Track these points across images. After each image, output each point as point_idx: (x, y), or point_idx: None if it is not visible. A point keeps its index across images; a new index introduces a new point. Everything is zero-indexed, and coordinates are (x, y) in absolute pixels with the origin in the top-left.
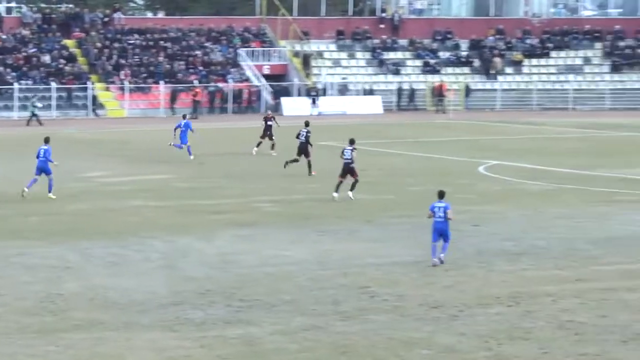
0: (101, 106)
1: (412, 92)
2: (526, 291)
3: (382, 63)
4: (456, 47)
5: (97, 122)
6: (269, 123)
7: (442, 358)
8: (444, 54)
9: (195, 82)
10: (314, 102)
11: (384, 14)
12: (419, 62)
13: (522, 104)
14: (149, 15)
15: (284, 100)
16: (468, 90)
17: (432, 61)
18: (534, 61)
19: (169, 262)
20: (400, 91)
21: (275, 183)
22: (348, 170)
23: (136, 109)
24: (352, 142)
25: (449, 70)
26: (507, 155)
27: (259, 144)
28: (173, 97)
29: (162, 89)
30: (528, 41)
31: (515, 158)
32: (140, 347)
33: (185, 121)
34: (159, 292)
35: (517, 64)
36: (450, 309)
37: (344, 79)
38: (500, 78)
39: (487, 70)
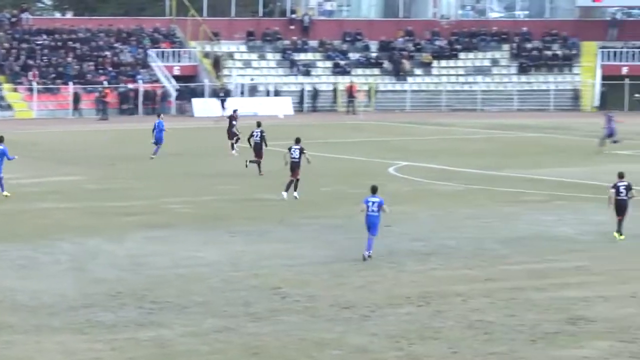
0: (9, 107)
1: (316, 93)
2: (436, 291)
3: (292, 64)
4: (366, 48)
5: (5, 123)
6: (233, 122)
7: (354, 358)
8: (353, 55)
9: (105, 83)
10: (222, 103)
11: (294, 15)
12: (329, 64)
13: (431, 105)
14: (57, 15)
15: (194, 101)
16: (374, 92)
17: (342, 62)
18: (443, 62)
19: (79, 264)
20: (305, 92)
21: (186, 184)
22: (294, 168)
23: (44, 110)
24: (297, 141)
25: (359, 71)
26: (417, 156)
27: (237, 140)
28: (76, 98)
29: (71, 90)
30: (437, 42)
31: (425, 159)
32: (50, 350)
33: (159, 121)
34: (69, 295)
35: (426, 65)
36: (362, 309)
37: (252, 80)
38: (409, 79)
39: (396, 72)
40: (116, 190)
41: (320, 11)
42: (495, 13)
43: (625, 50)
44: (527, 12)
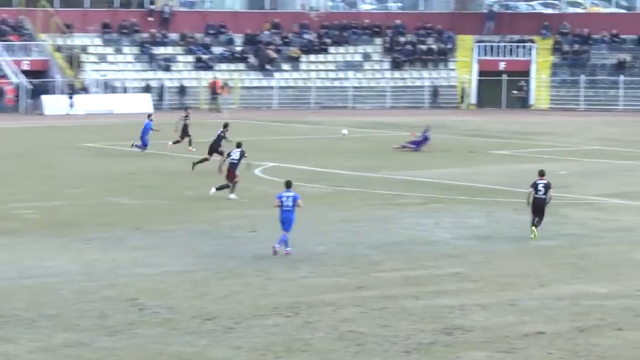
0: None
1: (162, 90)
2: (305, 300)
3: (151, 59)
4: (230, 41)
5: None
6: (186, 122)
7: None
8: (217, 49)
9: None
10: (70, 101)
11: (152, 6)
12: (191, 58)
13: (300, 102)
14: None
15: (44, 98)
16: (238, 88)
17: (204, 57)
18: (312, 57)
19: None
20: (164, 89)
21: (34, 187)
22: (232, 170)
23: None
24: (239, 145)
25: (223, 66)
26: (285, 156)
27: (177, 142)
28: None
29: None
30: (305, 36)
31: (294, 159)
32: None
33: (147, 121)
34: None
35: (294, 60)
36: (225, 320)
37: (103, 75)
38: (276, 75)
39: (262, 66)
40: None
41: (181, 2)
42: (366, 5)
43: (502, 44)
44: (400, 4)
